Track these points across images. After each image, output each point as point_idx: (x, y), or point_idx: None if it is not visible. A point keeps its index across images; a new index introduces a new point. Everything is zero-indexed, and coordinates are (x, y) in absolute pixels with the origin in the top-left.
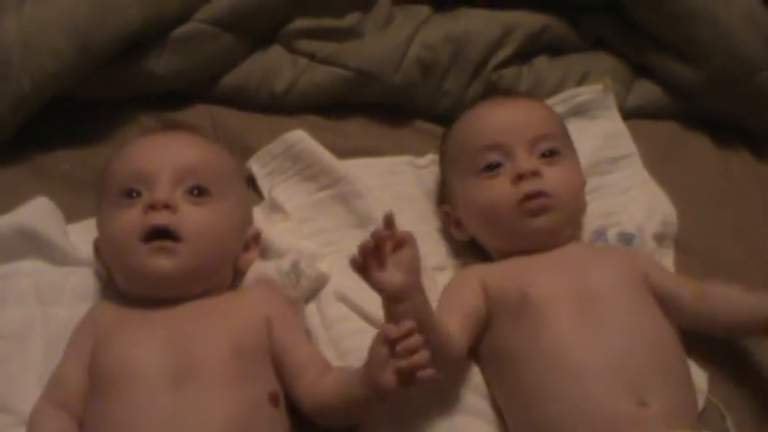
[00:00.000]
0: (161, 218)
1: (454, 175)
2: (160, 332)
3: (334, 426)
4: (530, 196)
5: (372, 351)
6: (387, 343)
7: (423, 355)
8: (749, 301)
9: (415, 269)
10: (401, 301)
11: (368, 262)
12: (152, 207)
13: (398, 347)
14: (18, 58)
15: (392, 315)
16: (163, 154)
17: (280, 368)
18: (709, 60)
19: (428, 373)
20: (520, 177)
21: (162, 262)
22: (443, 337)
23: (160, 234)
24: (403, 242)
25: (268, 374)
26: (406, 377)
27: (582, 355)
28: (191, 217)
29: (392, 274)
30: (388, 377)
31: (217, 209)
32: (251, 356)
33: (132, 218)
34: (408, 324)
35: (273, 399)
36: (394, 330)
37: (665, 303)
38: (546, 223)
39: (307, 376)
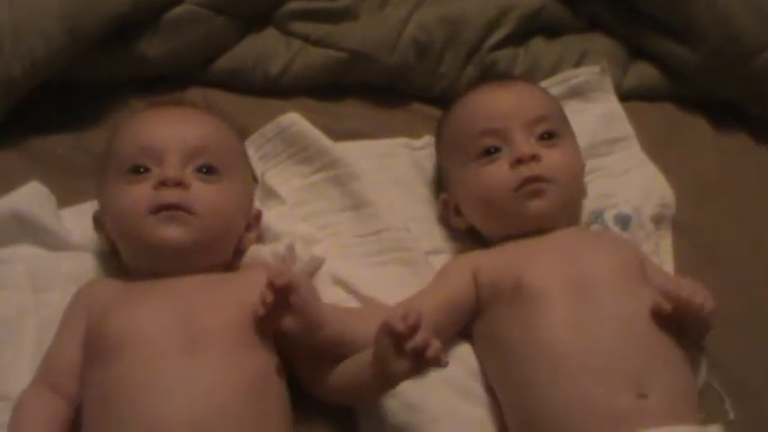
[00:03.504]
0: (173, 195)
1: (452, 162)
2: (167, 301)
3: (336, 402)
4: (528, 180)
5: (379, 342)
6: (391, 335)
7: (434, 347)
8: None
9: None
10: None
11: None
12: (163, 184)
13: (408, 345)
14: (8, 41)
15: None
16: (172, 130)
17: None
18: (707, 42)
19: (440, 361)
20: (518, 161)
21: (172, 230)
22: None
23: (171, 209)
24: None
25: (272, 348)
26: (419, 366)
27: (578, 346)
28: (202, 194)
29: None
30: (399, 365)
31: (226, 187)
32: (255, 330)
33: (141, 194)
34: (413, 316)
35: (279, 370)
36: (400, 324)
37: None
38: (543, 206)
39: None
